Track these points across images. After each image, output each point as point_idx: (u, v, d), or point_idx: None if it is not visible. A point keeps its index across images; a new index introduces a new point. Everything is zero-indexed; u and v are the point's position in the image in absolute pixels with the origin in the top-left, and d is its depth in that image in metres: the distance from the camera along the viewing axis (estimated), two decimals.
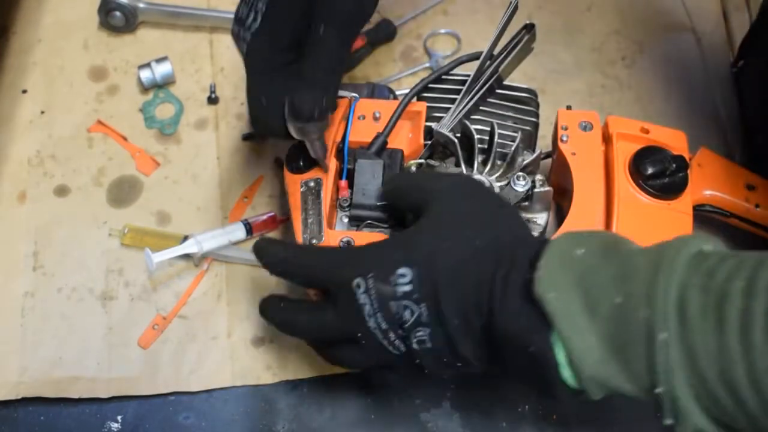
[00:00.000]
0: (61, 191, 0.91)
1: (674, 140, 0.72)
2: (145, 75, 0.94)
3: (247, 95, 0.71)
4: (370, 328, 0.61)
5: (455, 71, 0.80)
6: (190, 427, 0.81)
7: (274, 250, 0.68)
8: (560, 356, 0.53)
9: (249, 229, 0.87)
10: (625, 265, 0.50)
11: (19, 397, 0.80)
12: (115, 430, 0.81)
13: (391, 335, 0.61)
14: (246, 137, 0.94)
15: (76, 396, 0.81)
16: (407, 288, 0.58)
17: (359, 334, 0.63)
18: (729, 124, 0.95)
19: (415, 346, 0.60)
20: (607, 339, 0.50)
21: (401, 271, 0.58)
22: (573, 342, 0.51)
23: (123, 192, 0.91)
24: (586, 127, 0.73)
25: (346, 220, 0.76)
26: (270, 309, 0.70)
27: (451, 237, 0.59)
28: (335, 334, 0.65)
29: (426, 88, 0.80)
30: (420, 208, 0.63)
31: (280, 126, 0.70)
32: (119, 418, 0.81)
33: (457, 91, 0.78)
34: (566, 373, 0.53)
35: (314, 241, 0.71)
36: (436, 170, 0.75)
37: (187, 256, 0.85)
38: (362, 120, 0.77)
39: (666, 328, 0.47)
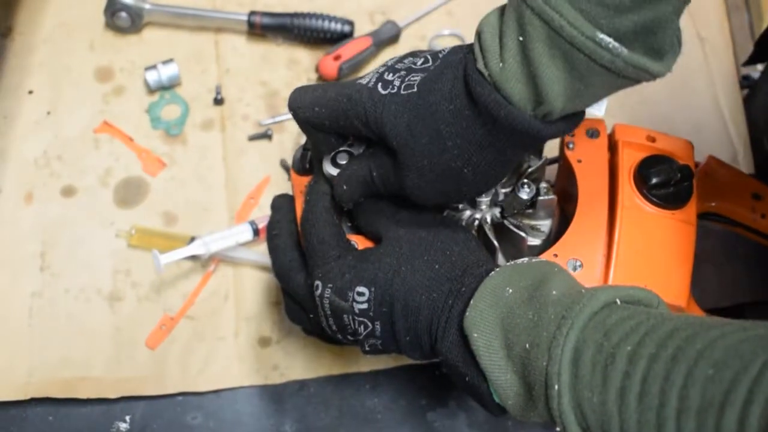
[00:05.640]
0: (68, 192, 0.91)
1: (680, 149, 0.72)
2: (152, 77, 0.95)
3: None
4: (321, 323, 0.64)
5: None
6: (197, 427, 0.82)
7: (276, 210, 0.71)
8: (491, 387, 0.57)
9: (256, 230, 0.87)
10: (539, 313, 0.54)
11: (28, 398, 0.81)
12: (124, 430, 0.81)
13: (339, 336, 0.65)
14: (252, 138, 0.94)
15: (84, 396, 0.82)
16: (364, 306, 0.61)
17: (311, 315, 0.66)
18: (733, 125, 0.95)
19: (367, 348, 0.64)
20: (521, 377, 0.54)
21: (360, 289, 0.61)
22: (494, 377, 0.56)
23: (129, 193, 0.91)
24: (593, 134, 0.73)
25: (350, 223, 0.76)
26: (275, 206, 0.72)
27: (409, 261, 0.61)
28: (298, 294, 0.67)
29: None
30: (379, 233, 0.65)
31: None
32: (127, 418, 0.82)
33: None
34: (497, 399, 0.58)
35: None
36: None
37: (194, 257, 0.86)
38: None
39: (558, 381, 0.50)
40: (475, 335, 0.56)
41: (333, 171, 0.66)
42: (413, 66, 0.60)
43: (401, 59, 0.62)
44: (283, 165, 0.93)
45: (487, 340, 0.55)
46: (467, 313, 0.57)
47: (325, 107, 0.62)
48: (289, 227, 0.69)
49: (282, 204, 0.72)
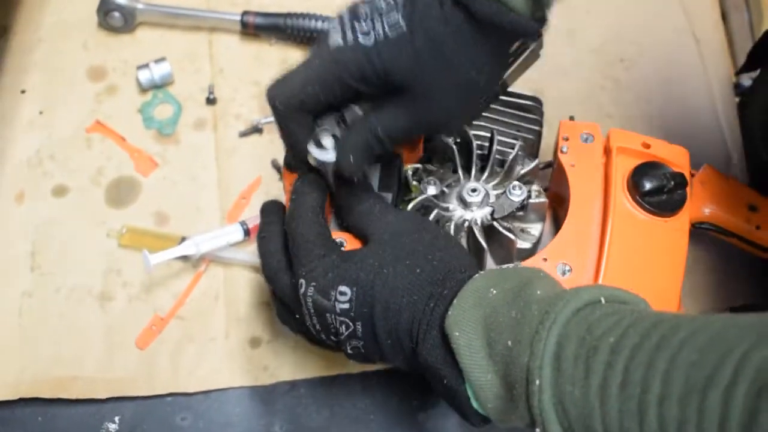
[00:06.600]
0: (60, 191, 0.91)
1: (675, 156, 0.71)
2: (144, 76, 0.94)
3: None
4: (306, 322, 0.65)
5: None
6: (187, 428, 0.81)
7: (266, 214, 0.71)
8: (470, 390, 0.57)
9: (246, 230, 0.87)
10: (522, 311, 0.54)
11: (17, 398, 0.81)
12: (113, 430, 0.81)
13: (323, 336, 0.65)
14: (243, 134, 0.94)
15: (74, 396, 0.81)
16: (345, 306, 0.61)
17: (297, 316, 0.66)
18: (728, 127, 0.95)
19: (349, 351, 0.64)
20: (502, 377, 0.54)
21: (342, 288, 0.61)
22: (474, 377, 0.55)
23: (121, 192, 0.91)
24: (588, 139, 0.72)
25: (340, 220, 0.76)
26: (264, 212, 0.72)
27: (392, 264, 0.61)
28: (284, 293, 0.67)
29: None
30: (366, 234, 0.65)
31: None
32: (117, 418, 0.81)
33: None
34: (476, 404, 0.57)
35: None
36: (434, 176, 0.75)
37: (185, 257, 0.85)
38: None
39: (540, 375, 0.50)
40: (456, 334, 0.56)
41: (320, 154, 0.65)
42: (379, 7, 0.61)
43: (354, 7, 0.62)
44: (275, 165, 0.92)
45: (468, 338, 0.55)
46: (449, 312, 0.57)
47: (316, 83, 0.62)
48: (278, 230, 0.69)
49: (272, 208, 0.72)
